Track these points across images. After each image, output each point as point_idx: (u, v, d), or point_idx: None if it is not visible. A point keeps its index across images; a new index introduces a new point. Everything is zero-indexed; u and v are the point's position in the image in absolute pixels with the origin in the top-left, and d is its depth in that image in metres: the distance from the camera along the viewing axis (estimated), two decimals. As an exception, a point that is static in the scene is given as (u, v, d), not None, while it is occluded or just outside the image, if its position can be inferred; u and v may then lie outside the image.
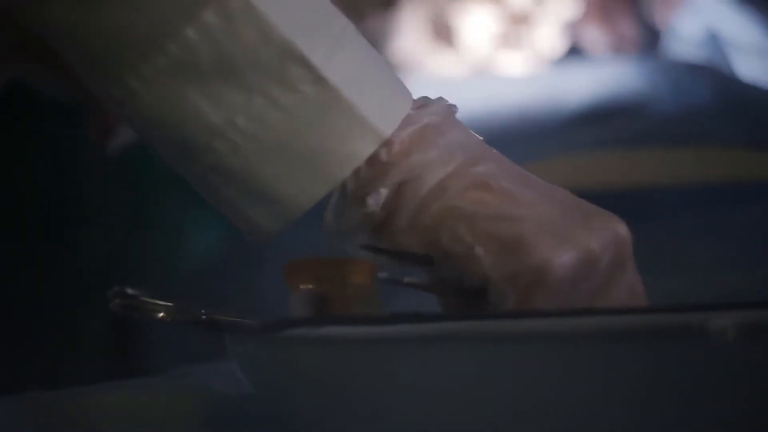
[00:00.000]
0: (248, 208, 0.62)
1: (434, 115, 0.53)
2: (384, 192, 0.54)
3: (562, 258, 0.53)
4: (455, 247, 0.54)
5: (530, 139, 0.89)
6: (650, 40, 1.17)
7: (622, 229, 0.55)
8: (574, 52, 1.20)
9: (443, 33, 1.08)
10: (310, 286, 0.63)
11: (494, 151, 0.55)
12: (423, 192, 0.54)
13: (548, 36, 1.09)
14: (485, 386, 0.49)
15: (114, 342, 0.93)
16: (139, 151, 1.19)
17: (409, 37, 1.07)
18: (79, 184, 1.19)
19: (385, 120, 0.54)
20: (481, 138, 0.57)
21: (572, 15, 1.11)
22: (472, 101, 0.95)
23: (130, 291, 0.53)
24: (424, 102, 0.54)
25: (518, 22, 1.09)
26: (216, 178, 0.59)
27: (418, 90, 0.99)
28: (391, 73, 0.55)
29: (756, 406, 0.49)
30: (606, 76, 0.92)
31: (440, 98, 0.54)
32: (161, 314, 0.52)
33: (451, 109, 0.54)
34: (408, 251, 0.58)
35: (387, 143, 0.53)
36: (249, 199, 0.61)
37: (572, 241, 0.54)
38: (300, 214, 0.60)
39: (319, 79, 0.54)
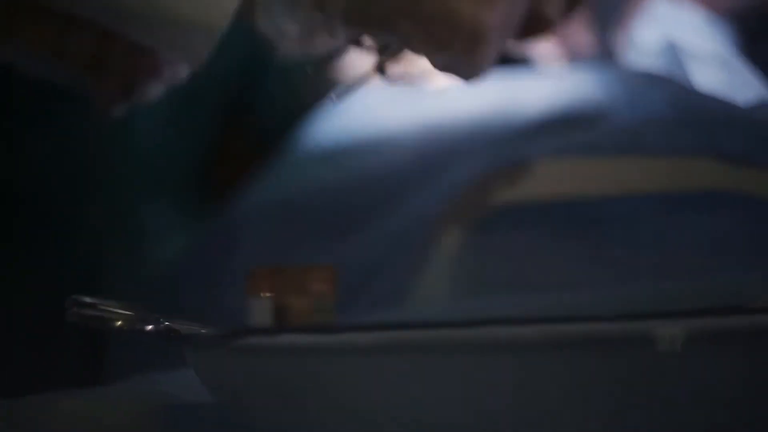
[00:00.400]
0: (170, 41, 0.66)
1: None
2: None
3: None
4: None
5: (488, 148, 0.89)
6: (608, 49, 1.18)
7: None
8: (532, 61, 1.21)
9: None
10: (270, 295, 0.64)
11: None
12: None
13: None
14: (441, 395, 0.49)
15: (73, 350, 0.94)
16: (98, 159, 1.19)
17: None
18: (42, 190, 1.19)
19: None
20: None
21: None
22: (429, 111, 0.96)
23: (87, 299, 0.53)
24: None
25: None
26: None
27: (372, 103, 1.00)
28: None
29: (707, 413, 0.50)
30: (564, 86, 0.93)
31: None
32: (119, 323, 0.53)
33: None
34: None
35: None
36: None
37: None
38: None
39: None
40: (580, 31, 1.16)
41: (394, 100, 0.97)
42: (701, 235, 0.83)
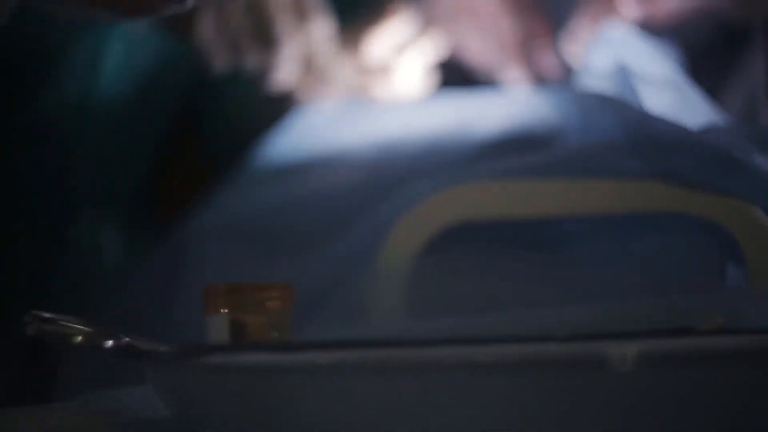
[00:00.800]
0: None
1: None
2: None
3: None
4: None
5: (441, 167, 0.90)
6: (561, 71, 1.19)
7: None
8: (486, 81, 1.23)
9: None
10: (227, 312, 0.64)
11: None
12: None
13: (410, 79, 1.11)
14: (395, 413, 0.50)
15: (26, 366, 0.93)
16: (50, 170, 1.19)
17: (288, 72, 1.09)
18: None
19: None
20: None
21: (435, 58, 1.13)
22: (383, 129, 0.97)
23: (47, 315, 0.53)
24: None
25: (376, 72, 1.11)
26: None
27: (326, 120, 1.00)
28: None
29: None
30: (517, 107, 0.94)
31: None
32: (80, 339, 0.53)
33: None
34: None
35: None
36: None
37: None
38: None
39: None
40: (546, 55, 1.18)
41: (348, 118, 0.98)
42: (650, 257, 0.84)
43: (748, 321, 0.75)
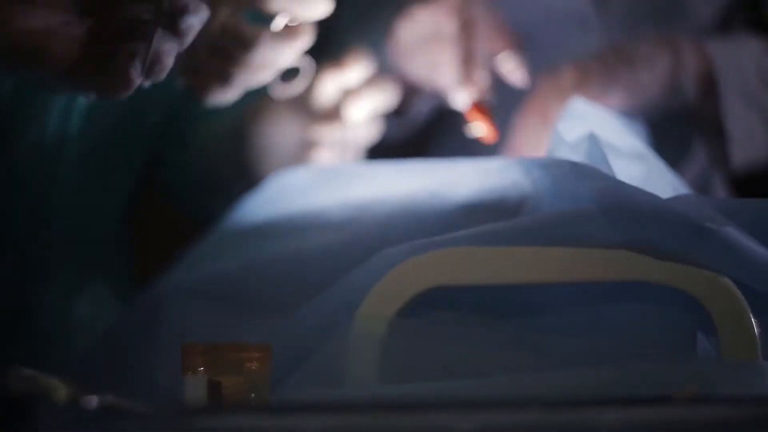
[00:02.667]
0: None
1: None
2: None
3: None
4: None
5: (416, 232, 0.90)
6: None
7: None
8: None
9: None
10: (205, 371, 0.63)
11: None
12: None
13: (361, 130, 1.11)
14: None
15: (6, 422, 0.92)
16: (25, 226, 1.17)
17: None
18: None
19: None
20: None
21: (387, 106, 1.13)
22: (359, 192, 0.96)
23: (29, 371, 0.53)
24: None
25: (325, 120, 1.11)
26: None
27: (303, 182, 1.00)
28: None
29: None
30: (491, 173, 0.94)
31: None
32: (61, 395, 0.52)
33: None
34: None
35: None
36: None
37: None
38: None
39: None
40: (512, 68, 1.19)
41: (324, 180, 0.97)
42: (623, 325, 0.84)
43: (720, 391, 0.74)
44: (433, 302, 0.82)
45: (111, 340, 0.95)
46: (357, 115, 1.11)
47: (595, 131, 0.97)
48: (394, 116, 1.37)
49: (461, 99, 1.20)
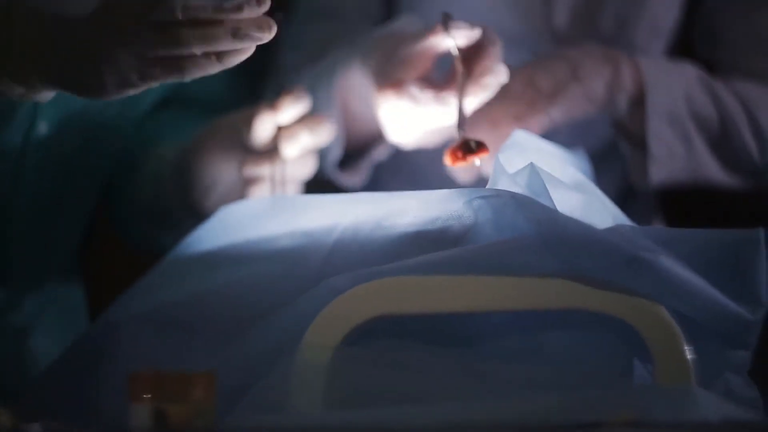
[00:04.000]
0: None
1: None
2: None
3: None
4: None
5: (362, 261, 0.90)
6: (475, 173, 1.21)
7: None
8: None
9: None
10: (150, 400, 0.63)
11: None
12: None
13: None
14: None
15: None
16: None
17: None
18: None
19: None
20: None
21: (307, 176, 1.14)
22: (306, 222, 0.96)
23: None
24: None
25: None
26: None
27: (251, 212, 1.00)
28: None
29: None
30: (433, 204, 0.94)
31: None
32: (5, 419, 0.52)
33: None
34: None
35: None
36: None
37: None
38: None
39: None
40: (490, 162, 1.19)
41: (272, 210, 0.97)
42: (561, 352, 0.84)
43: (655, 416, 0.75)
44: (376, 330, 0.83)
45: (62, 366, 0.94)
46: (291, 152, 1.12)
47: (536, 162, 0.98)
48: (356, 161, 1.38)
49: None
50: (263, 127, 1.12)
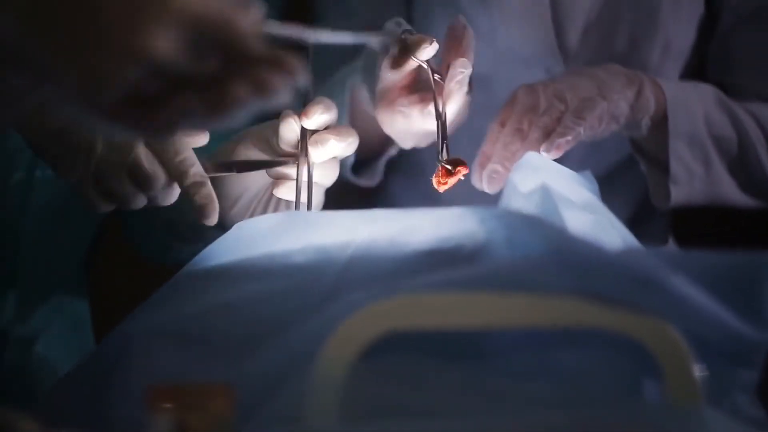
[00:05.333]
0: None
1: None
2: None
3: None
4: None
5: (375, 277, 0.90)
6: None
7: None
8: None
9: None
10: (170, 412, 0.63)
11: None
12: None
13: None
14: None
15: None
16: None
17: None
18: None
19: None
20: None
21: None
22: (321, 238, 0.97)
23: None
24: None
25: None
26: None
27: (267, 227, 0.99)
28: None
29: None
30: (448, 223, 0.94)
31: None
32: (25, 429, 0.52)
33: None
34: None
35: None
36: None
37: None
38: None
39: None
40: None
41: (287, 227, 0.98)
42: (572, 370, 0.84)
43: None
44: (390, 346, 0.83)
45: (79, 377, 0.94)
46: (319, 157, 1.12)
47: (548, 183, 0.98)
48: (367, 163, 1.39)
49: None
50: (290, 129, 1.13)
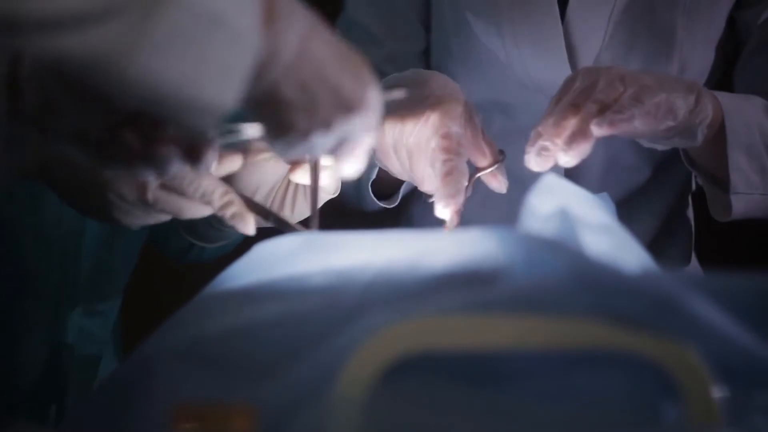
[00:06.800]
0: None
1: None
2: None
3: None
4: None
5: (395, 299, 0.90)
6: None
7: None
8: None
9: None
10: (194, 428, 0.63)
11: None
12: None
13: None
14: None
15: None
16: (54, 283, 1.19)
17: None
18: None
19: None
20: None
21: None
22: (340, 260, 0.97)
23: (25, 424, 0.53)
24: None
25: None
26: None
27: (287, 249, 1.00)
28: None
29: None
30: (467, 245, 0.94)
31: None
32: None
33: None
34: None
35: None
36: None
37: None
38: None
39: None
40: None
41: (307, 248, 0.98)
42: (593, 393, 0.84)
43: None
44: (409, 368, 0.83)
45: (101, 398, 0.94)
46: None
47: (566, 205, 0.98)
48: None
49: (442, 211, 1.22)
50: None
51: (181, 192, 1.08)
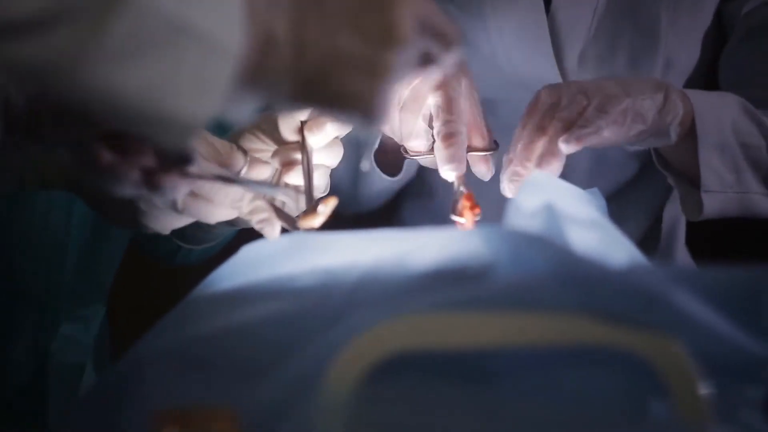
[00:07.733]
0: None
1: None
2: None
3: None
4: None
5: (382, 298, 0.90)
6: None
7: None
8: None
9: None
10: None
11: None
12: None
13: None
14: None
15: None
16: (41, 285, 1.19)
17: None
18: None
19: None
20: None
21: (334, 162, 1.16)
22: (327, 260, 0.96)
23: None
24: None
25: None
26: None
27: (272, 250, 0.99)
28: None
29: None
30: (453, 242, 0.94)
31: None
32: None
33: None
34: None
35: None
36: None
37: None
38: None
39: None
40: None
41: (294, 249, 0.97)
42: (581, 391, 0.84)
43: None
44: (396, 367, 0.82)
45: (88, 402, 0.94)
46: (318, 141, 1.13)
47: (553, 201, 0.97)
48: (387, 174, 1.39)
49: (447, 173, 1.20)
50: (289, 120, 1.14)
51: (209, 199, 1.07)
